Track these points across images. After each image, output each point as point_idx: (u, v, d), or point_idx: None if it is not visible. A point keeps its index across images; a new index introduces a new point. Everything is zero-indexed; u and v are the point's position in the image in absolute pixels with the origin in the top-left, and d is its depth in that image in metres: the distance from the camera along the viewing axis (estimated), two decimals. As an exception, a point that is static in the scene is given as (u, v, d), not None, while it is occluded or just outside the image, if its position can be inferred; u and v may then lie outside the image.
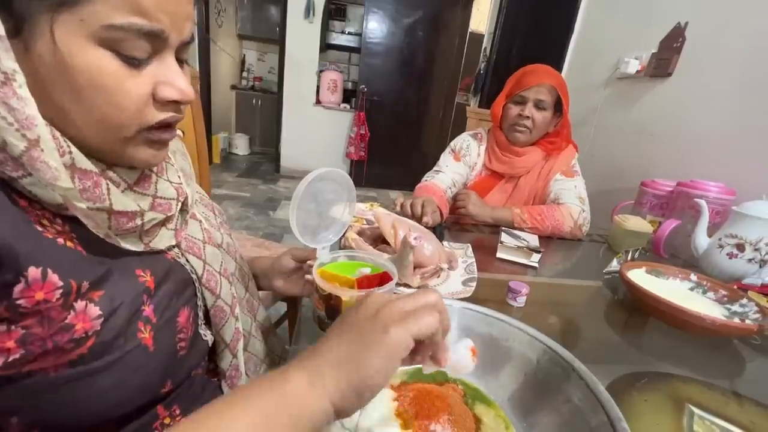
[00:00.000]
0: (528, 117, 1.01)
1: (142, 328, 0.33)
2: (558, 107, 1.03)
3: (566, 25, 1.90)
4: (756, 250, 0.76)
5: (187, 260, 0.40)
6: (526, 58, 1.80)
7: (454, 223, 1.04)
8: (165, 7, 0.28)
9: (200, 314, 0.41)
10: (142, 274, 0.35)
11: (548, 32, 2.34)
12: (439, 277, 0.63)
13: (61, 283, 0.28)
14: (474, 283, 0.62)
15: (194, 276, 0.40)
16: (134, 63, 0.29)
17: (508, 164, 1.08)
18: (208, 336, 0.42)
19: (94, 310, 0.30)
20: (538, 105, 1.01)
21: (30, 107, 0.25)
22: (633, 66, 1.40)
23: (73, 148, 0.29)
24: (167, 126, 0.33)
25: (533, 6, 2.69)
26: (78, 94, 0.27)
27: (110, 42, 0.27)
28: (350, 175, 3.67)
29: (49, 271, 0.27)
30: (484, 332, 0.42)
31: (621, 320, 0.68)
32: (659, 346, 0.61)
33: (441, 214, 0.96)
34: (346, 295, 0.41)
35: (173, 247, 0.39)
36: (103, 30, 0.26)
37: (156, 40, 0.29)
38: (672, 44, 1.26)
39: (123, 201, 0.32)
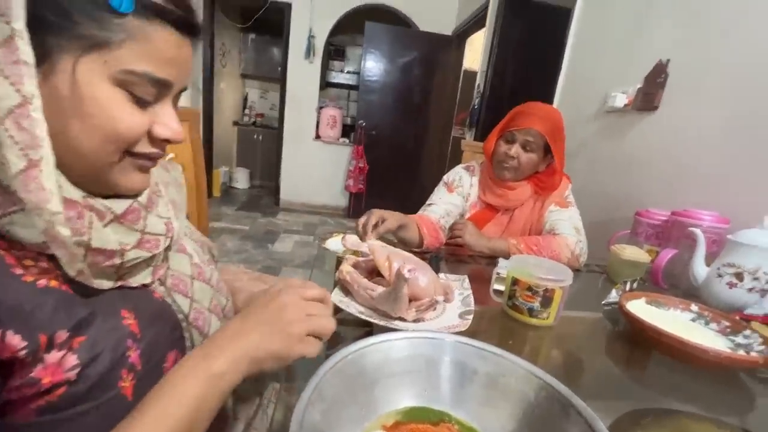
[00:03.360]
0: (514, 157, 1.03)
1: (125, 376, 0.32)
2: (549, 149, 1.04)
3: (554, 62, 1.98)
4: (755, 279, 0.75)
5: (173, 299, 0.39)
6: (518, 94, 1.88)
7: (450, 255, 1.03)
8: (176, 62, 0.33)
9: None
10: (127, 315, 0.34)
11: (538, 69, 2.44)
12: (435, 309, 0.62)
13: (24, 344, 0.27)
14: (471, 316, 0.61)
15: (181, 315, 0.39)
16: (141, 103, 0.32)
17: (502, 198, 1.09)
18: None
19: (71, 360, 0.29)
20: (526, 146, 1.03)
21: (40, 129, 0.27)
22: (620, 100, 1.45)
23: (61, 177, 0.30)
24: (152, 157, 0.36)
25: (522, 45, 2.83)
26: (84, 120, 0.30)
27: (124, 83, 0.30)
28: (349, 207, 3.70)
29: (9, 333, 0.26)
30: (480, 367, 0.41)
31: (622, 353, 0.66)
32: (663, 380, 0.59)
33: (422, 239, 0.97)
34: None
35: (152, 284, 0.38)
36: (121, 73, 0.30)
37: (163, 88, 0.33)
38: (656, 79, 1.31)
39: (103, 238, 0.31)
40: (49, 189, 0.27)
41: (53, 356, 0.28)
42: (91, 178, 0.32)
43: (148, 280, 0.37)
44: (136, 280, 0.36)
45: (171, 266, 0.41)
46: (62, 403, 0.29)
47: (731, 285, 0.77)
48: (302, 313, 0.38)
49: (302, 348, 0.37)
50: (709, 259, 0.83)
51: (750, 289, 0.75)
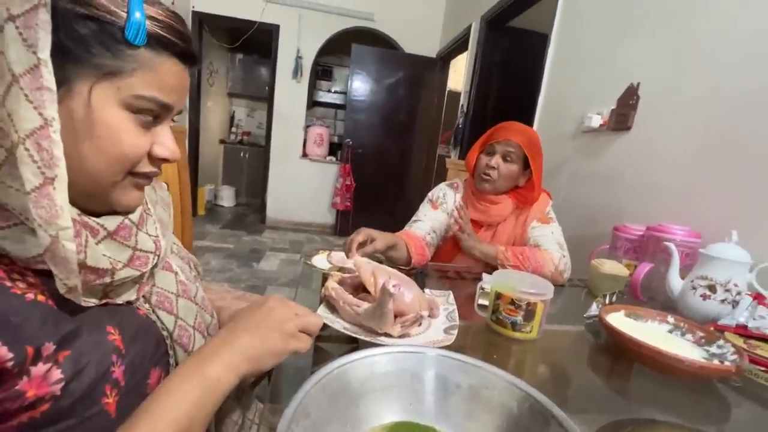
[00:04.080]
0: (494, 167, 1.07)
1: (108, 392, 0.32)
2: (528, 163, 1.08)
3: (534, 84, 2.07)
4: (727, 290, 0.78)
5: (157, 316, 0.39)
6: (500, 114, 1.95)
7: (435, 270, 1.04)
8: (177, 88, 0.36)
9: None
10: (112, 331, 0.34)
11: (518, 91, 2.54)
12: (420, 325, 0.62)
13: (11, 355, 0.27)
14: (455, 331, 0.61)
15: (165, 333, 0.40)
16: (146, 125, 0.35)
17: (485, 213, 1.12)
18: None
19: (55, 374, 0.29)
20: (506, 157, 1.07)
21: (58, 149, 0.28)
22: (596, 120, 1.52)
23: None
24: (149, 176, 0.38)
25: (503, 68, 2.95)
26: (95, 141, 0.32)
27: (132, 107, 0.33)
28: (336, 224, 3.70)
29: None
30: (463, 381, 0.41)
31: (604, 365, 0.67)
32: (643, 391, 0.60)
33: (410, 258, 0.97)
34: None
35: (137, 301, 0.39)
36: (131, 98, 0.33)
37: (165, 111, 0.36)
38: (628, 101, 1.38)
39: (96, 256, 0.32)
40: (61, 205, 0.28)
41: (39, 369, 0.28)
42: (92, 195, 0.34)
43: (133, 297, 0.38)
44: (121, 298, 0.36)
45: (156, 283, 0.41)
46: (45, 420, 0.28)
47: (705, 297, 0.79)
48: (291, 312, 0.42)
49: (296, 343, 0.41)
50: (684, 272, 0.86)
51: (722, 301, 0.78)
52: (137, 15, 0.31)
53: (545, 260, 0.98)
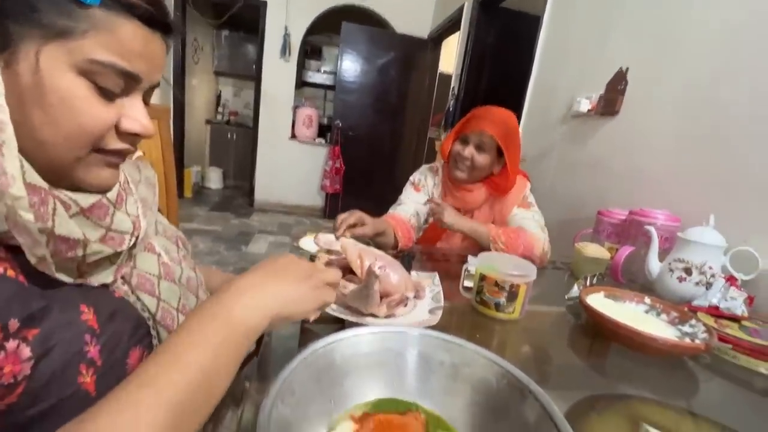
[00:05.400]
0: (467, 158, 1.06)
1: (84, 372, 0.31)
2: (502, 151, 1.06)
3: (525, 67, 2.05)
4: (702, 273, 0.81)
5: (138, 298, 0.39)
6: (491, 97, 1.94)
7: (421, 253, 1.06)
8: (144, 57, 0.33)
9: None
10: (86, 310, 0.33)
11: (510, 73, 2.52)
12: (405, 306, 0.63)
13: None
14: (440, 311, 0.63)
15: (147, 314, 0.39)
16: (107, 95, 0.32)
17: (460, 200, 1.13)
18: None
19: (25, 352, 0.28)
20: (479, 147, 1.06)
21: (3, 113, 0.27)
22: (585, 105, 1.52)
23: (26, 163, 0.29)
24: (121, 153, 0.35)
25: (495, 50, 2.91)
26: (47, 110, 0.29)
27: (88, 72, 0.30)
28: (325, 207, 3.68)
29: None
30: (445, 358, 0.42)
31: (583, 344, 0.70)
32: (619, 368, 0.63)
33: (397, 242, 0.98)
34: None
35: (114, 283, 0.37)
36: (85, 62, 0.30)
37: (131, 81, 0.33)
38: (616, 86, 1.39)
39: (68, 226, 0.31)
40: (11, 174, 0.27)
41: (11, 344, 0.28)
42: (56, 172, 0.32)
43: (109, 279, 0.36)
44: (97, 279, 0.35)
45: (138, 266, 0.41)
46: (22, 402, 0.28)
47: (681, 279, 0.82)
48: (312, 266, 0.42)
49: (327, 293, 0.41)
50: (663, 255, 0.89)
51: (697, 283, 0.81)
52: None
53: (535, 240, 1.00)
